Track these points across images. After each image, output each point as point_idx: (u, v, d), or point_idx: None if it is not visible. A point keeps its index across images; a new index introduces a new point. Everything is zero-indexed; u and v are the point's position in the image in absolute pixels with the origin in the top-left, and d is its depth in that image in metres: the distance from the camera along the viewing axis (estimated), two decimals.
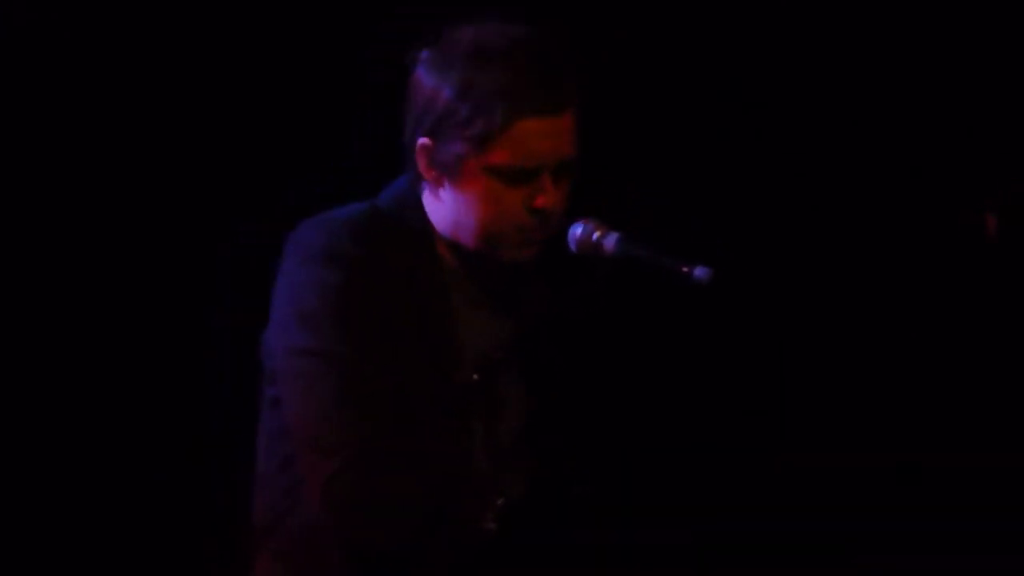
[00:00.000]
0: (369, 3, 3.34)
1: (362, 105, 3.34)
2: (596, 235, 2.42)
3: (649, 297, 2.49)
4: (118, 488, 3.34)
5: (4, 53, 3.23)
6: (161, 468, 3.35)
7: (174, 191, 3.34)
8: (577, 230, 2.43)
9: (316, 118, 3.37)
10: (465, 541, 2.42)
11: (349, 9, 3.35)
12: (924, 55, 3.42)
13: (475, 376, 2.45)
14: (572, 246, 2.43)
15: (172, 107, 3.32)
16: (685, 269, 2.34)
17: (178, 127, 3.33)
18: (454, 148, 2.36)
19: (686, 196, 3.38)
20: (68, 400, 3.31)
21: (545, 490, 2.51)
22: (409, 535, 2.35)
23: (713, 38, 3.43)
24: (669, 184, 3.39)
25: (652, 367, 2.52)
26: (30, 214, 3.27)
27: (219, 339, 3.29)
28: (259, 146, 3.34)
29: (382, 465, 2.31)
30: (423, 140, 2.39)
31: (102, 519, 3.33)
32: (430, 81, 2.37)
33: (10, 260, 3.26)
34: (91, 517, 3.33)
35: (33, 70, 3.25)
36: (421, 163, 2.41)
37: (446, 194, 2.41)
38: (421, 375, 2.38)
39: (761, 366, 3.39)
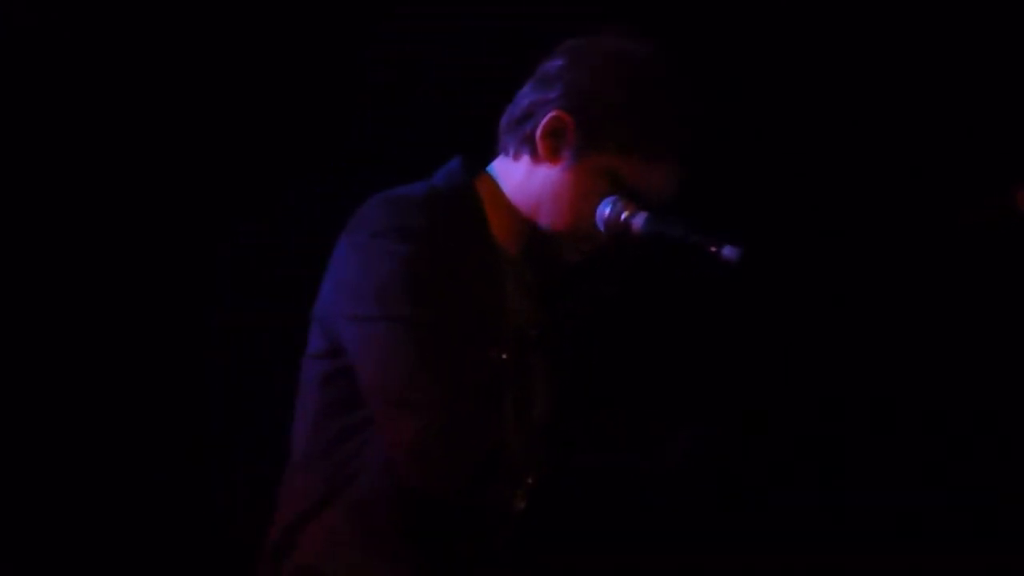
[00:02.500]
0: (369, 3, 3.34)
1: (362, 105, 3.34)
2: (625, 214, 2.42)
3: (671, 283, 2.50)
4: (117, 488, 3.35)
5: (4, 53, 3.23)
6: (161, 468, 3.35)
7: (174, 191, 3.35)
8: (605, 209, 2.43)
9: (316, 118, 3.37)
10: (494, 519, 2.44)
11: (349, 9, 3.35)
12: (926, 51, 3.41)
13: (504, 355, 2.45)
14: (600, 225, 2.44)
15: (172, 107, 3.33)
16: (714, 248, 2.35)
17: (178, 127, 3.33)
18: (595, 139, 2.40)
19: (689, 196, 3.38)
20: (68, 400, 3.32)
21: (570, 471, 2.53)
22: (473, 488, 2.36)
23: (713, 36, 3.43)
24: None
25: (669, 353, 2.52)
26: (28, 214, 3.28)
27: (219, 339, 3.30)
28: (259, 146, 3.34)
29: (464, 423, 2.32)
30: (562, 114, 2.41)
31: (102, 519, 3.35)
32: (603, 73, 2.41)
33: (10, 260, 3.27)
34: (91, 517, 3.34)
35: (32, 70, 3.26)
36: (541, 130, 2.43)
37: (546, 171, 2.44)
38: (473, 348, 2.38)
39: (771, 355, 3.39)
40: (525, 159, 2.47)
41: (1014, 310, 3.37)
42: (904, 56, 3.45)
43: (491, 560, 2.44)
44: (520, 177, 2.48)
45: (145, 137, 3.33)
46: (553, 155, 2.43)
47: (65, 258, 3.31)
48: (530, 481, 2.47)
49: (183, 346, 3.36)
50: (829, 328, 3.44)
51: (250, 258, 3.36)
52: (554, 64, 2.46)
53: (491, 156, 2.54)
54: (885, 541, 3.43)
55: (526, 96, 2.47)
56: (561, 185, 2.44)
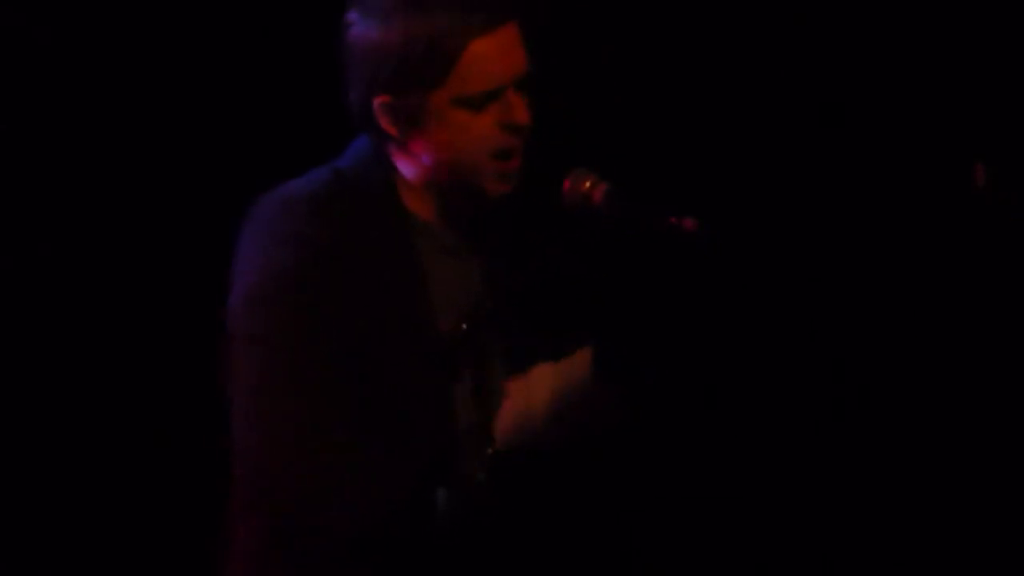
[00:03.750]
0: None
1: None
2: (587, 184, 2.42)
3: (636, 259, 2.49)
4: (118, 488, 3.35)
5: (3, 53, 3.22)
6: (160, 467, 3.35)
7: (173, 191, 3.34)
8: (567, 181, 2.43)
9: (316, 118, 3.36)
10: (457, 493, 2.43)
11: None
12: (923, 49, 3.41)
13: (464, 326, 2.45)
14: (563, 200, 2.43)
15: (171, 107, 3.32)
16: (674, 220, 2.34)
17: (178, 127, 3.32)
18: (415, 94, 2.35)
19: (684, 191, 3.38)
20: (68, 400, 3.31)
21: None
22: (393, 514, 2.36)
23: (711, 32, 3.43)
24: (667, 181, 3.38)
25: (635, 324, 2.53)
26: (26, 214, 3.27)
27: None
28: (258, 146, 3.33)
29: (282, 467, 2.31)
30: (380, 98, 2.37)
31: (102, 519, 3.34)
32: (372, 36, 2.34)
33: (10, 260, 3.26)
34: (91, 517, 3.34)
35: (32, 70, 3.25)
36: (383, 122, 2.38)
37: (417, 145, 2.39)
38: (398, 333, 2.37)
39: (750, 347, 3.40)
40: (393, 146, 2.42)
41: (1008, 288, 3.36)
42: (903, 49, 3.44)
43: (456, 530, 2.43)
44: (403, 161, 2.43)
45: (144, 137, 3.32)
46: (407, 130, 2.38)
47: (64, 258, 3.30)
48: (490, 452, 2.47)
49: (183, 345, 3.34)
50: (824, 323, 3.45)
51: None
52: (348, 43, 2.39)
53: None
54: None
55: (351, 89, 2.41)
56: (435, 145, 2.38)
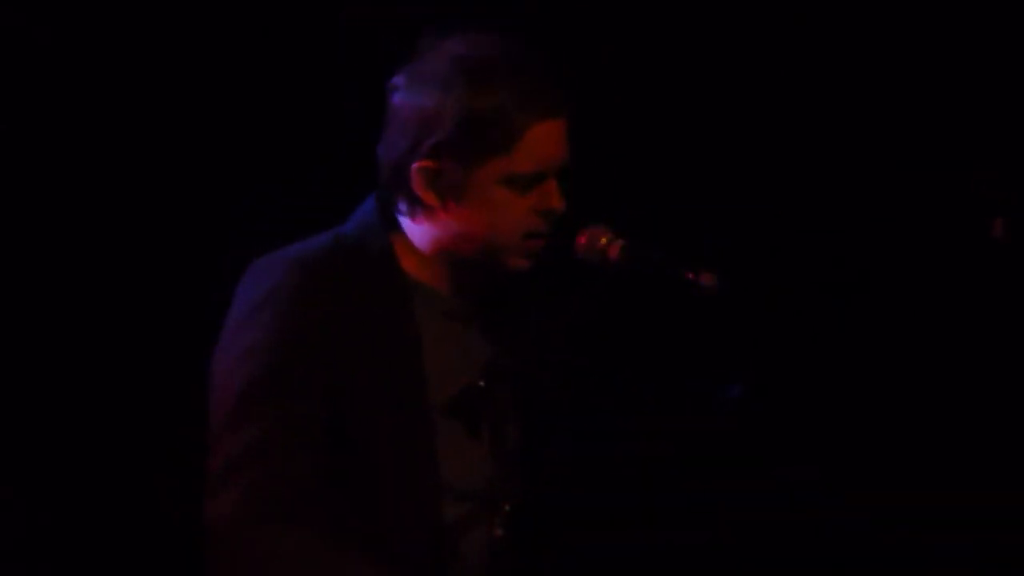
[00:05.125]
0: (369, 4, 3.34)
1: (360, 109, 3.33)
2: (602, 241, 2.42)
3: (650, 307, 2.49)
4: (117, 488, 3.34)
5: (3, 53, 3.23)
6: (161, 468, 3.35)
7: (173, 191, 3.34)
8: (583, 237, 2.43)
9: (316, 118, 3.37)
10: (473, 548, 2.42)
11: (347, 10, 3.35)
12: (926, 53, 3.41)
13: (481, 382, 2.45)
14: (577, 253, 2.43)
15: (171, 107, 3.32)
16: (691, 276, 2.34)
17: (177, 127, 3.33)
18: (462, 165, 2.35)
19: (688, 201, 3.37)
20: (67, 401, 3.31)
21: (549, 497, 2.52)
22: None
23: (713, 37, 3.43)
24: (671, 188, 3.38)
25: (650, 374, 2.52)
26: (26, 214, 3.27)
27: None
28: (258, 147, 3.34)
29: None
30: (422, 163, 2.37)
31: (101, 519, 3.34)
32: (426, 102, 2.35)
33: (9, 260, 3.26)
34: (90, 517, 3.33)
35: (31, 70, 3.25)
36: (418, 186, 2.38)
37: (449, 215, 2.39)
38: (385, 397, 2.37)
39: (762, 373, 3.38)
40: (419, 213, 2.42)
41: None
42: (906, 54, 3.44)
43: None
44: (422, 229, 2.43)
45: (145, 137, 3.33)
46: (443, 200, 2.39)
47: (64, 258, 3.30)
48: (507, 508, 2.46)
49: (181, 347, 3.34)
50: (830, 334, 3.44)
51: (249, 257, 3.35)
52: (394, 105, 2.40)
53: None
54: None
55: (388, 150, 2.41)
56: (467, 218, 2.39)
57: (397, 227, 2.44)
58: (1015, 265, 2.91)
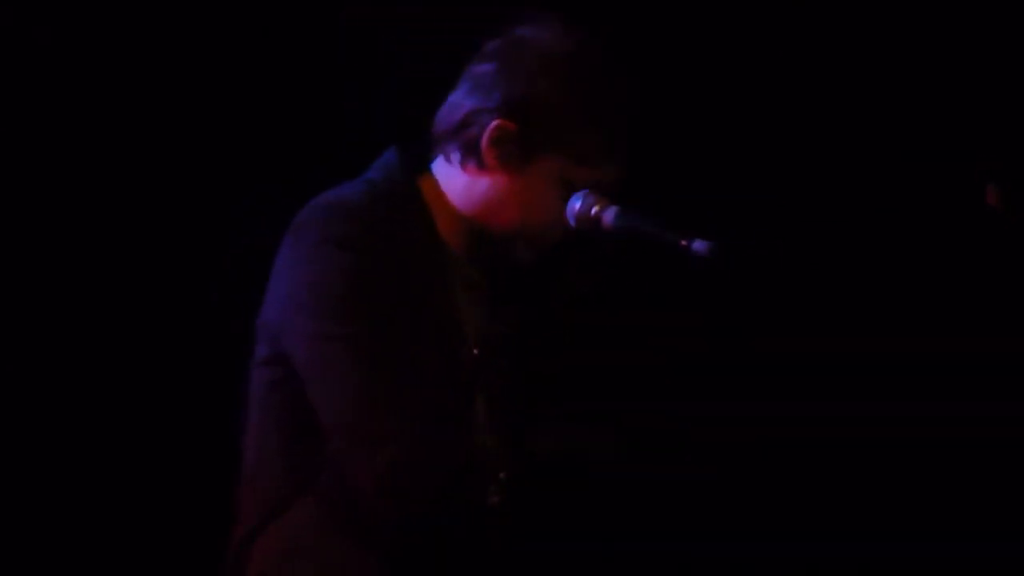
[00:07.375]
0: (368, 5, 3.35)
1: (361, 107, 3.34)
2: (595, 208, 2.42)
3: (645, 280, 2.50)
4: (118, 487, 3.34)
5: (3, 53, 3.23)
6: (160, 468, 3.34)
7: (172, 191, 3.34)
8: (576, 203, 2.43)
9: (316, 118, 3.37)
10: (469, 515, 2.43)
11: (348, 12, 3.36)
12: (923, 46, 3.41)
13: (476, 351, 2.45)
14: (570, 220, 2.44)
15: (171, 107, 3.32)
16: (684, 242, 2.35)
17: (177, 127, 3.33)
18: (540, 144, 2.40)
19: (689, 192, 3.37)
20: (68, 401, 3.31)
21: (544, 466, 2.53)
22: (444, 501, 2.36)
23: (712, 32, 3.43)
24: (671, 179, 3.38)
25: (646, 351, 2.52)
26: (26, 214, 3.27)
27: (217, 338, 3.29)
28: (258, 147, 3.34)
29: (430, 450, 2.31)
30: (505, 122, 2.40)
31: (102, 518, 3.34)
32: (539, 75, 2.39)
33: (9, 260, 3.26)
34: (91, 517, 3.33)
35: (30, 70, 3.25)
36: (487, 140, 2.41)
37: (493, 177, 2.43)
38: (431, 352, 2.38)
39: (758, 357, 3.39)
40: (471, 166, 2.44)
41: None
42: (903, 46, 3.44)
43: (469, 553, 2.43)
44: (465, 183, 2.46)
45: (144, 137, 3.32)
46: (501, 164, 2.41)
47: (64, 258, 3.30)
48: (503, 476, 2.47)
49: (182, 346, 3.35)
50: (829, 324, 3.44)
51: (249, 258, 3.35)
52: (486, 68, 2.43)
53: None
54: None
55: (462, 102, 2.44)
56: (512, 191, 2.43)
57: (418, 186, 2.47)
58: (1010, 234, 2.91)
